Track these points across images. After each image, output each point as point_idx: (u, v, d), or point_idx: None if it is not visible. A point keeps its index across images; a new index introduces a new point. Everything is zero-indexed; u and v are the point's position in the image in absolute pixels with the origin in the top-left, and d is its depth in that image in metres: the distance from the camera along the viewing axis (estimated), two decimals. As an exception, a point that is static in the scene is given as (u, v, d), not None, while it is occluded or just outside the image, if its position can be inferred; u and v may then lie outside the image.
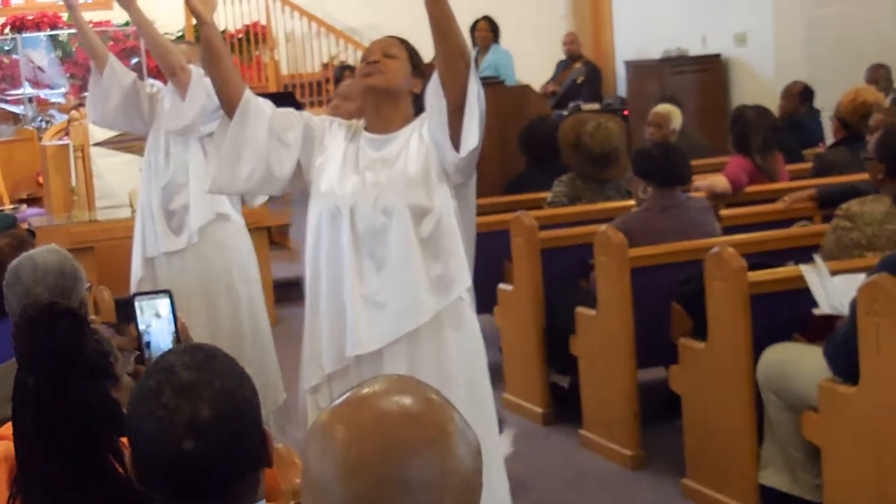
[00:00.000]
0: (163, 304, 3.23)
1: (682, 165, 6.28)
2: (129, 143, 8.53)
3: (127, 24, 13.24)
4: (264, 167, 4.03)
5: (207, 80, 5.51)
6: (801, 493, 5.02)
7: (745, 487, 5.18)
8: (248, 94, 4.05)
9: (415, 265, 3.92)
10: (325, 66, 14.24)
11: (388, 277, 3.94)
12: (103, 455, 2.71)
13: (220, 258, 5.94)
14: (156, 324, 3.19)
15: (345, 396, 1.68)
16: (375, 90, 4.02)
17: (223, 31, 13.33)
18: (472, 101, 3.76)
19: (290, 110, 4.20)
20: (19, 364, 2.75)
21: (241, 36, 14.22)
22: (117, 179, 9.33)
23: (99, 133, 8.77)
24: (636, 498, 5.62)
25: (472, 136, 3.78)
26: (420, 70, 4.09)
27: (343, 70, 11.60)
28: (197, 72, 5.65)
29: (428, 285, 3.94)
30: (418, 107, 4.08)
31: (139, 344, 3.19)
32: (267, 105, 4.09)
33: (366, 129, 4.11)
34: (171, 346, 3.18)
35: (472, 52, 11.67)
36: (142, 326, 3.19)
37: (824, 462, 4.77)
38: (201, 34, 4.13)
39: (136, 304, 3.21)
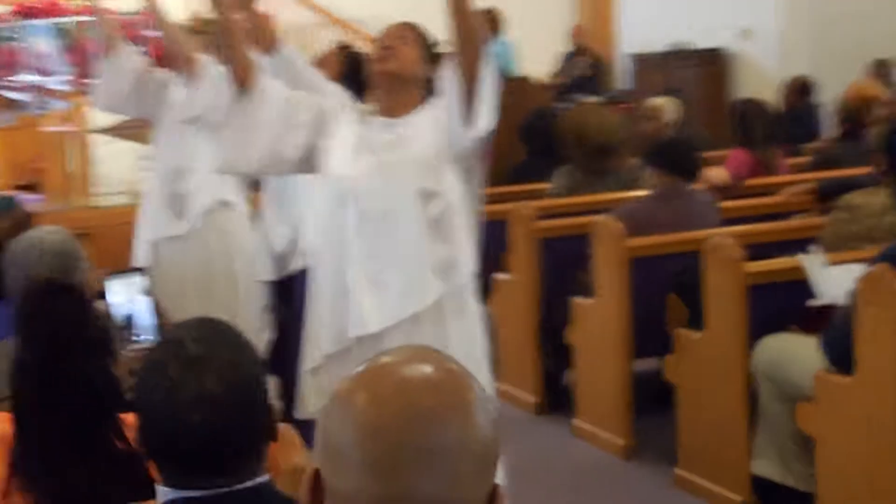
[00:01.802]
0: (138, 282, 3.25)
1: (688, 157, 6.27)
2: (128, 130, 8.52)
3: (136, 13, 13.20)
4: (276, 149, 4.04)
5: (217, 69, 5.55)
6: (794, 483, 4.99)
7: (737, 477, 5.16)
8: (262, 76, 4.06)
9: (420, 247, 3.92)
10: (330, 56, 14.21)
11: (394, 259, 3.93)
12: (105, 431, 2.71)
13: (221, 245, 5.93)
14: (138, 301, 3.20)
15: (365, 365, 1.66)
16: (389, 75, 4.03)
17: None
18: (487, 81, 3.77)
19: (303, 94, 4.21)
20: (20, 342, 2.74)
21: (244, 26, 14.19)
22: (116, 166, 9.32)
23: (99, 120, 8.77)
24: (628, 487, 5.60)
25: (486, 116, 3.79)
26: (432, 56, 4.11)
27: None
28: (206, 61, 5.65)
29: (433, 268, 3.93)
30: (430, 92, 4.09)
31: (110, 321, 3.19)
32: (280, 88, 4.10)
33: (377, 112, 4.11)
34: (151, 321, 3.20)
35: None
36: (127, 304, 3.21)
37: (818, 452, 4.74)
38: (219, 17, 4.11)
39: (110, 283, 3.22)
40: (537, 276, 6.60)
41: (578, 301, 6.17)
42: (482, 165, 4.07)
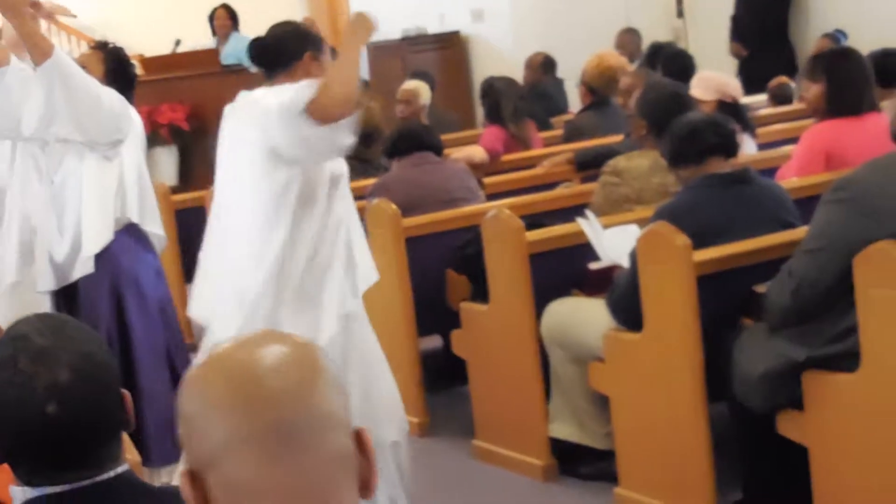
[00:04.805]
0: None
1: (427, 135, 6.46)
2: None
3: None
4: None
5: None
6: (591, 443, 5.13)
7: (535, 442, 5.28)
8: None
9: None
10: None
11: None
12: None
13: None
14: None
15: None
16: None
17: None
18: None
19: None
20: None
21: (-35, 37, 13.71)
22: None
23: None
24: (426, 463, 5.59)
25: None
26: None
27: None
28: None
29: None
30: None
31: None
32: None
33: None
34: None
35: (213, 42, 11.54)
36: None
37: (613, 410, 4.88)
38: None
39: None
40: (312, 265, 6.58)
41: (358, 285, 6.18)
42: None
